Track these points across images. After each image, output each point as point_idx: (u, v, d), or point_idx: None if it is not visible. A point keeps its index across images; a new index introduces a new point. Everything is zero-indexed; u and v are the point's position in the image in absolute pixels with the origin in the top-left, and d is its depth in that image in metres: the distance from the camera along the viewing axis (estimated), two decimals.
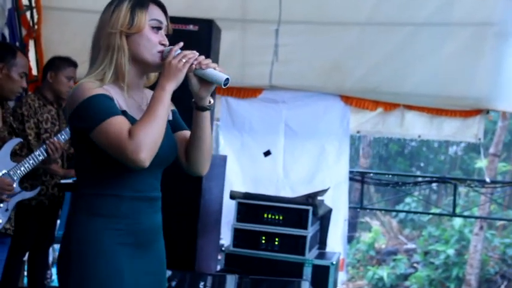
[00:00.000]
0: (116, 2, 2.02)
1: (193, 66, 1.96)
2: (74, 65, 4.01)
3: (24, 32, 5.23)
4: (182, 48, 2.01)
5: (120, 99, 1.96)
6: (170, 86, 1.94)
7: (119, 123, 1.86)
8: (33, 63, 5.38)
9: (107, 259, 1.91)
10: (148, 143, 1.83)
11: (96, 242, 1.91)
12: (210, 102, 2.04)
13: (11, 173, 3.29)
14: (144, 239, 1.99)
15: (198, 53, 2.00)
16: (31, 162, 3.38)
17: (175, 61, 1.94)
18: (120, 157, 1.85)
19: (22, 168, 3.34)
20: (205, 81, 1.99)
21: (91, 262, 1.90)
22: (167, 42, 2.03)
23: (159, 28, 2.02)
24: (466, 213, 9.74)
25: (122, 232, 1.93)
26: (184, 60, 1.95)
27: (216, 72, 1.98)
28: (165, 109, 1.91)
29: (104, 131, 1.85)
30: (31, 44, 5.37)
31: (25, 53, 5.24)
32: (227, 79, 1.96)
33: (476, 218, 10.70)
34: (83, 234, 1.92)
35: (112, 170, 1.92)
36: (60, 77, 3.92)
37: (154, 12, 2.02)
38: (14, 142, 3.38)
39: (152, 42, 2.00)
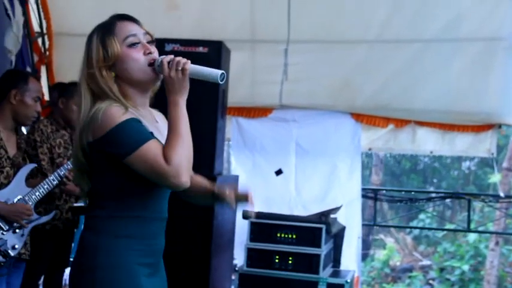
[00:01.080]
0: (88, 41, 2.00)
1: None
2: None
3: (36, 58, 5.31)
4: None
5: (143, 121, 1.95)
6: (182, 99, 1.92)
7: (153, 149, 1.85)
8: (45, 89, 5.43)
9: (133, 283, 1.92)
10: (185, 164, 1.85)
11: (121, 267, 1.91)
12: None
13: (26, 198, 3.32)
14: (158, 259, 2.03)
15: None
16: (46, 187, 3.40)
17: (174, 72, 1.90)
18: (161, 182, 1.87)
19: (37, 193, 3.36)
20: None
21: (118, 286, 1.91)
22: (153, 49, 1.98)
23: (137, 42, 1.96)
24: (481, 229, 9.64)
25: (142, 253, 1.95)
26: (180, 68, 1.91)
27: (210, 69, 1.94)
28: (187, 124, 1.91)
29: (141, 156, 1.84)
30: (43, 70, 5.44)
31: (37, 78, 5.34)
32: (223, 73, 1.92)
33: (492, 233, 10.60)
34: (109, 259, 1.91)
35: (136, 192, 1.93)
36: (71, 105, 3.88)
37: (124, 29, 1.97)
38: (28, 168, 3.40)
39: (137, 59, 1.95)
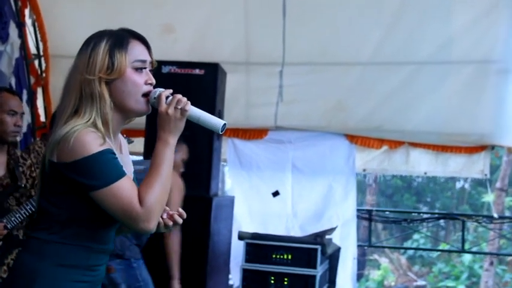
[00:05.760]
0: (93, 42, 1.84)
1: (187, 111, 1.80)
2: None
3: (32, 80, 5.33)
4: (178, 92, 1.83)
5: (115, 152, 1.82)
6: (174, 139, 1.79)
7: (128, 188, 1.73)
8: (41, 110, 5.47)
9: None
10: (158, 210, 1.75)
11: None
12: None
13: (5, 220, 3.24)
14: None
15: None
16: (23, 212, 3.27)
17: (172, 110, 1.78)
18: (127, 223, 1.75)
19: (17, 215, 3.26)
20: None
21: None
22: (153, 81, 1.84)
23: (143, 68, 1.84)
24: (475, 249, 9.66)
25: (85, 285, 1.83)
26: (180, 107, 1.78)
27: (212, 117, 1.82)
28: (170, 167, 1.78)
29: (112, 193, 1.71)
30: (39, 92, 5.47)
31: (33, 100, 5.34)
32: (224, 124, 1.80)
33: (486, 254, 10.61)
34: (49, 286, 1.78)
35: (89, 222, 1.80)
36: None
37: (136, 51, 1.83)
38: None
39: (137, 85, 1.81)
